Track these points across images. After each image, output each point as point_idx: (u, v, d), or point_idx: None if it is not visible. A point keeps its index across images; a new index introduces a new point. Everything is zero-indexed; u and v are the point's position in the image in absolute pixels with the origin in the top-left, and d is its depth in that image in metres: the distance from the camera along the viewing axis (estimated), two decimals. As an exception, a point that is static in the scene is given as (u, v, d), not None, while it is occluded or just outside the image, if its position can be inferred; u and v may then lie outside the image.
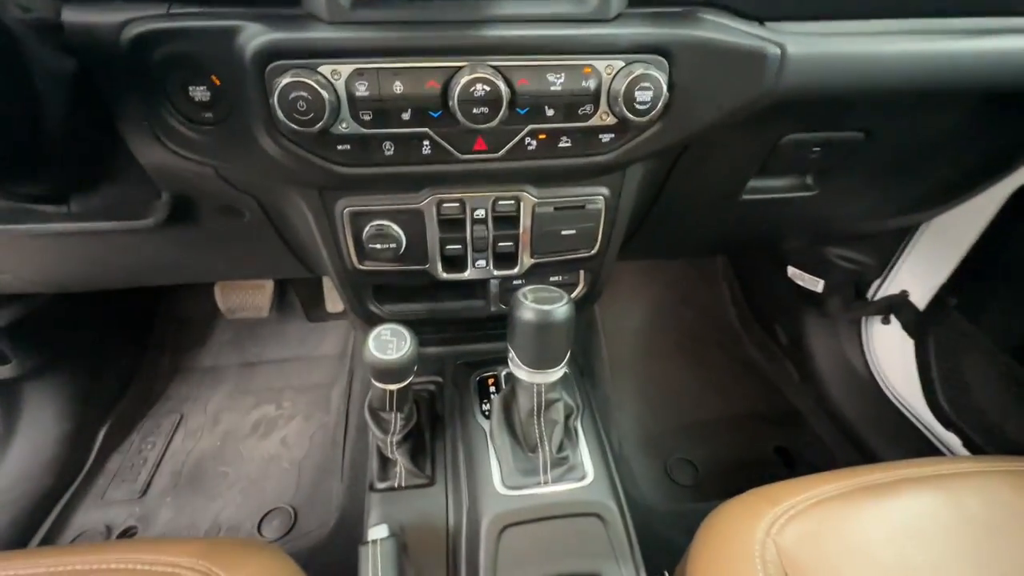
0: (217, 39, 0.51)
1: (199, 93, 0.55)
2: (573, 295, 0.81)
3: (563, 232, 0.69)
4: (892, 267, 1.20)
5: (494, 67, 0.53)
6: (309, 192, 0.65)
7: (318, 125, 0.51)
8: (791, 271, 1.39)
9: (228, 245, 0.86)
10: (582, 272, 0.80)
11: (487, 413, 0.82)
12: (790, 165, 0.83)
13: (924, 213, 1.06)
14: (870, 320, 1.28)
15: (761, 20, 0.60)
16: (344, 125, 0.54)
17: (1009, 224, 0.97)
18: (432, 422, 0.81)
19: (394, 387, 0.66)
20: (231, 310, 1.44)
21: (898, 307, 1.18)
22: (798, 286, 1.37)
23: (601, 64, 0.55)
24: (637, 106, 0.55)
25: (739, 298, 1.72)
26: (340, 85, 0.52)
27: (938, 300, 1.09)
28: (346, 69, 0.52)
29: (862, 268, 1.24)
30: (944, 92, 0.66)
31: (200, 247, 0.85)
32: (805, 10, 0.60)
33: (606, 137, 0.60)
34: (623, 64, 0.55)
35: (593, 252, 0.74)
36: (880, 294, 1.24)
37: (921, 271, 1.15)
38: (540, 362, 0.63)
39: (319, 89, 0.50)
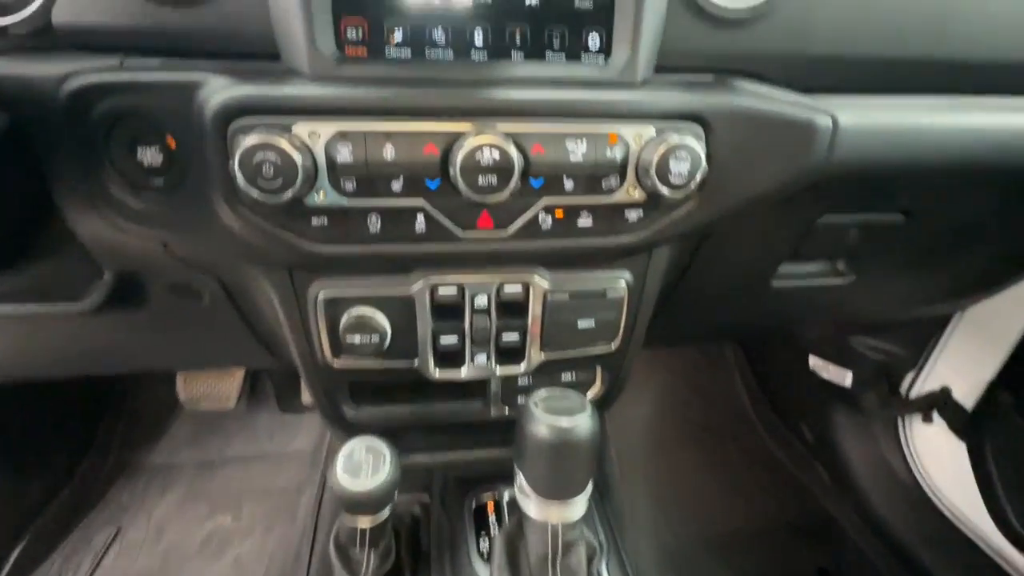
0: (176, 93, 0.43)
1: (149, 155, 0.46)
2: (589, 396, 0.69)
3: (580, 324, 0.58)
4: (927, 358, 1.10)
5: (505, 132, 0.45)
6: (276, 273, 0.54)
7: (287, 194, 0.42)
8: (813, 362, 1.28)
9: (183, 330, 0.74)
10: (599, 369, 0.68)
11: (485, 554, 0.65)
12: (823, 249, 0.75)
13: (962, 301, 0.97)
14: (909, 418, 1.15)
15: (792, 89, 0.55)
16: (321, 195, 0.45)
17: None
18: (415, 561, 0.64)
19: (368, 522, 0.51)
20: (193, 400, 1.28)
21: (941, 405, 1.06)
22: (821, 378, 1.25)
23: (629, 131, 0.47)
24: (672, 179, 0.46)
25: (753, 386, 1.59)
26: (319, 148, 0.43)
27: (989, 398, 0.97)
28: (327, 130, 0.43)
29: (893, 359, 1.14)
30: (1001, 169, 0.59)
31: (149, 332, 0.73)
32: (845, 85, 0.55)
33: (633, 215, 0.51)
34: (654, 132, 0.47)
35: (614, 347, 0.62)
36: (917, 389, 1.13)
37: (963, 364, 1.04)
38: (557, 490, 0.49)
39: (290, 152, 0.41)
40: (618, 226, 0.51)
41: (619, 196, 0.49)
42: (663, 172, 0.46)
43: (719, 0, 0.48)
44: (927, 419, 1.10)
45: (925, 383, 1.11)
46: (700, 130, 0.48)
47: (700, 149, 0.46)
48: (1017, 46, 0.55)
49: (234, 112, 0.42)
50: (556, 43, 0.47)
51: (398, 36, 0.45)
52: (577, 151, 0.46)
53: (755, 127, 0.49)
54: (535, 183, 0.47)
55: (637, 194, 0.49)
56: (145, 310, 0.66)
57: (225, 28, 0.44)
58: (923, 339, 1.09)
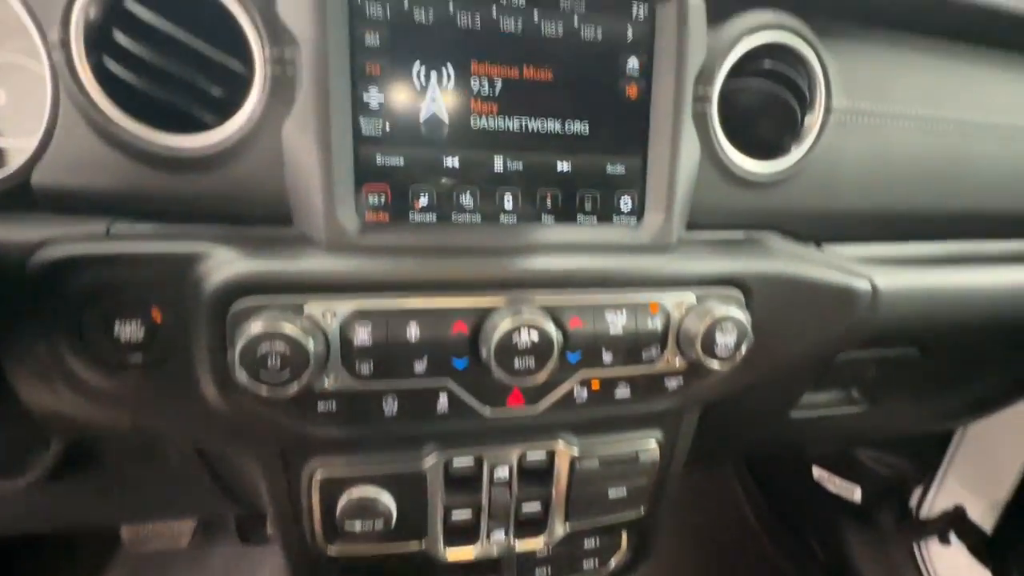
0: (170, 266, 0.38)
1: (129, 330, 0.39)
2: (612, 565, 0.61)
3: (610, 492, 0.52)
4: (936, 474, 1.07)
5: (541, 305, 0.41)
6: (266, 450, 0.47)
7: (294, 387, 0.36)
8: (817, 473, 1.23)
9: (139, 489, 0.64)
10: (624, 533, 0.61)
11: None
12: (840, 381, 0.73)
13: (967, 419, 0.96)
14: (926, 538, 1.09)
15: (817, 243, 0.56)
16: (332, 378, 0.39)
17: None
18: None
19: None
20: (139, 541, 1.11)
21: (959, 526, 1.01)
22: (828, 491, 1.20)
23: (670, 300, 0.44)
24: (718, 351, 0.43)
25: (755, 493, 1.52)
26: (333, 329, 0.38)
27: (1009, 521, 0.94)
28: (344, 308, 0.38)
29: (901, 473, 1.10)
30: None
31: (99, 495, 0.62)
32: (863, 235, 0.56)
33: (673, 383, 0.47)
34: (695, 299, 0.44)
35: (644, 511, 0.56)
36: (928, 506, 1.08)
37: (974, 482, 1.01)
38: None
39: (300, 339, 0.35)
40: (656, 393, 0.47)
41: (660, 366, 0.45)
42: (708, 345, 0.43)
43: (749, 166, 0.48)
44: (944, 540, 1.05)
45: (936, 500, 1.07)
46: (741, 296, 0.46)
47: (746, 320, 0.43)
48: (1010, 198, 0.59)
49: (238, 291, 0.37)
50: (588, 206, 0.45)
51: (423, 200, 0.42)
52: (617, 323, 0.43)
53: (795, 292, 0.47)
54: (572, 357, 0.43)
55: (678, 362, 0.45)
56: (99, 475, 0.56)
57: (230, 193, 0.40)
58: (929, 453, 1.07)
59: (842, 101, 0.50)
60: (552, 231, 0.44)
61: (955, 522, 1.01)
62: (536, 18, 0.41)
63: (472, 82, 0.41)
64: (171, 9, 0.36)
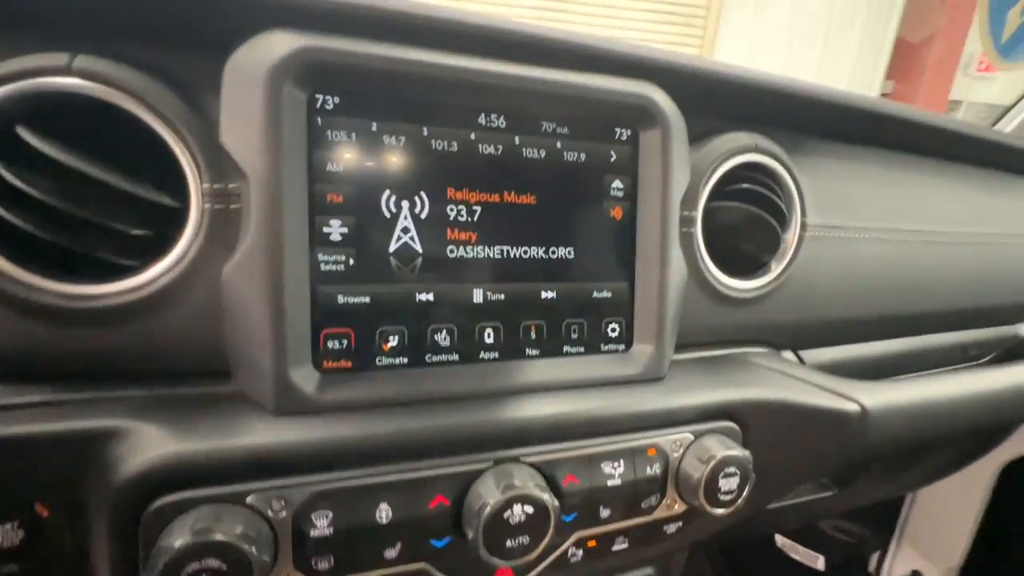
0: (69, 448, 0.30)
1: (1, 534, 0.30)
2: None
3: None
4: (892, 538, 1.09)
5: (532, 464, 0.36)
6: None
7: None
8: (780, 541, 1.22)
9: None
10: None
11: None
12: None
13: (920, 486, 1.00)
14: (889, 606, 1.10)
15: (794, 350, 0.55)
16: (279, 579, 0.31)
17: (1008, 500, 0.91)
18: None
19: None
20: None
21: (919, 594, 1.02)
22: (794, 560, 1.19)
23: (667, 441, 0.40)
24: (721, 497, 0.39)
25: (718, 562, 1.49)
26: (284, 522, 0.31)
27: (965, 588, 0.96)
28: (298, 493, 0.31)
29: (860, 540, 1.11)
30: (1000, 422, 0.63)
31: None
32: (828, 339, 0.57)
33: (672, 528, 0.42)
34: (691, 437, 0.41)
35: None
36: (887, 570, 1.10)
37: (928, 546, 1.03)
38: None
39: (242, 547, 0.28)
40: (654, 540, 0.42)
41: (659, 513, 0.41)
42: (712, 492, 0.39)
43: (733, 284, 0.47)
44: (906, 607, 1.06)
45: (894, 566, 1.09)
46: (738, 430, 0.43)
47: (747, 460, 0.40)
48: (963, 297, 0.62)
49: (159, 486, 0.29)
50: (574, 335, 0.41)
51: (393, 342, 0.36)
52: (615, 473, 0.38)
53: (789, 419, 0.45)
54: (567, 518, 0.37)
55: (677, 507, 0.41)
56: None
57: (151, 350, 0.33)
58: (884, 517, 1.09)
59: (815, 217, 0.50)
60: (538, 368, 0.39)
61: (915, 589, 1.03)
62: (517, 141, 0.38)
63: (448, 209, 0.37)
64: (79, 135, 0.30)
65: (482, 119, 0.37)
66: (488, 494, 0.33)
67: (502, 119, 0.38)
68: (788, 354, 0.55)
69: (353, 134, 0.34)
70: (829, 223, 0.51)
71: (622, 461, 0.38)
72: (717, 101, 0.45)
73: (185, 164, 0.31)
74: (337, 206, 0.34)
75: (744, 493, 0.40)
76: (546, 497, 0.34)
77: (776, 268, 0.48)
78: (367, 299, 0.35)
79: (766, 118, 0.48)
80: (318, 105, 0.33)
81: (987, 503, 0.94)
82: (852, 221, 0.52)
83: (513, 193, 0.39)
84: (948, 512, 1.00)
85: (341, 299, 0.35)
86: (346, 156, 0.34)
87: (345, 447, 0.32)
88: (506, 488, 0.33)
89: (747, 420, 0.43)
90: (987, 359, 0.73)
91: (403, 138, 0.35)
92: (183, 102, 0.31)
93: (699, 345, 0.48)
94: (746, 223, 0.46)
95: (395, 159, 0.35)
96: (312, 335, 0.34)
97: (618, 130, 0.41)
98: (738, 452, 0.40)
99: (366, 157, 0.34)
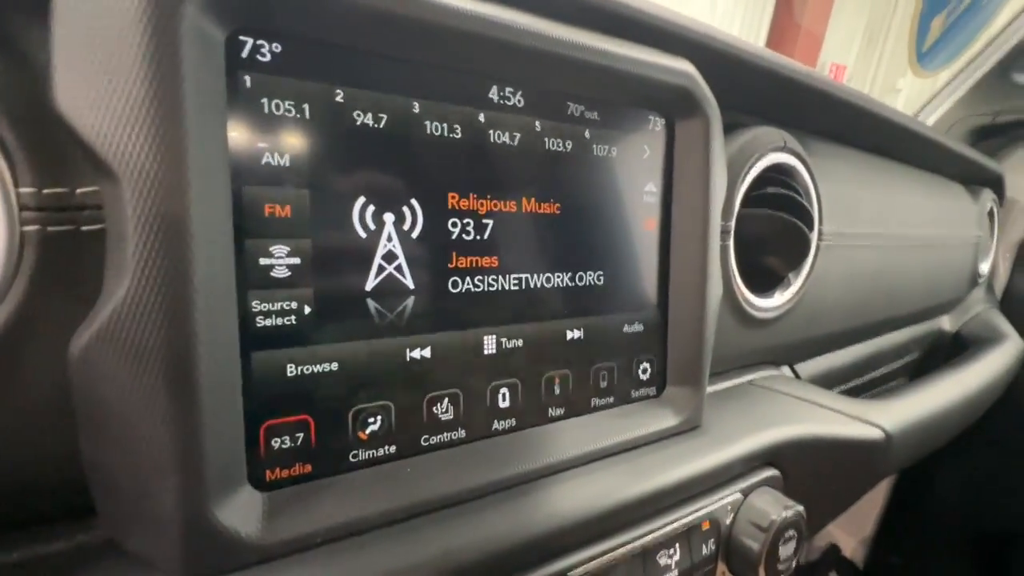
0: None
1: None
2: None
3: None
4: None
5: (578, 579, 0.26)
6: None
7: None
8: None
9: None
10: None
11: None
12: None
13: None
14: None
15: (791, 364, 0.52)
16: None
17: (914, 467, 1.00)
18: None
19: None
20: None
21: (837, 565, 1.10)
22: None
23: (719, 507, 0.33)
24: (780, 567, 0.33)
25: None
26: None
27: (877, 559, 1.04)
28: None
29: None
30: None
31: None
32: (817, 351, 0.55)
33: (718, 606, 0.35)
34: (741, 498, 0.34)
35: None
36: (806, 545, 1.17)
37: (841, 520, 1.11)
38: None
39: None
40: (698, 619, 0.35)
41: (709, 592, 0.33)
42: (772, 564, 0.33)
43: (761, 302, 0.41)
44: (825, 578, 1.14)
45: (814, 540, 1.16)
46: (780, 478, 0.37)
47: (803, 517, 0.34)
48: (915, 300, 0.64)
49: None
50: (603, 382, 0.32)
51: (374, 424, 0.24)
52: (671, 563, 0.30)
53: (820, 455, 0.40)
54: (619, 634, 0.28)
55: (726, 579, 0.34)
56: None
57: None
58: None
59: (828, 224, 0.45)
60: (565, 435, 0.29)
61: (834, 561, 1.10)
62: (538, 128, 0.27)
63: (451, 224, 0.25)
64: None
65: (494, 93, 0.26)
66: None
67: (520, 96, 0.27)
68: (786, 370, 0.51)
69: (305, 106, 0.21)
70: (838, 230, 0.47)
71: (677, 547, 0.30)
72: (743, 90, 0.38)
73: (-23, 150, 0.16)
74: (282, 222, 0.21)
75: (800, 558, 0.34)
76: None
77: (796, 282, 0.43)
78: (333, 366, 0.23)
79: (783, 114, 0.42)
80: (244, 53, 0.20)
81: (895, 478, 1.02)
82: (853, 228, 0.49)
83: (534, 200, 0.28)
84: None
85: (291, 370, 0.22)
86: (293, 141, 0.21)
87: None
88: None
89: (786, 463, 0.37)
90: (919, 355, 0.77)
91: (384, 117, 0.23)
92: None
93: (722, 373, 0.42)
94: (776, 233, 0.40)
95: (373, 149, 0.23)
96: (248, 432, 0.21)
97: (652, 118, 0.32)
98: (793, 511, 0.34)
99: (327, 144, 0.22)
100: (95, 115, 0.17)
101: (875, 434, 0.42)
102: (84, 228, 0.18)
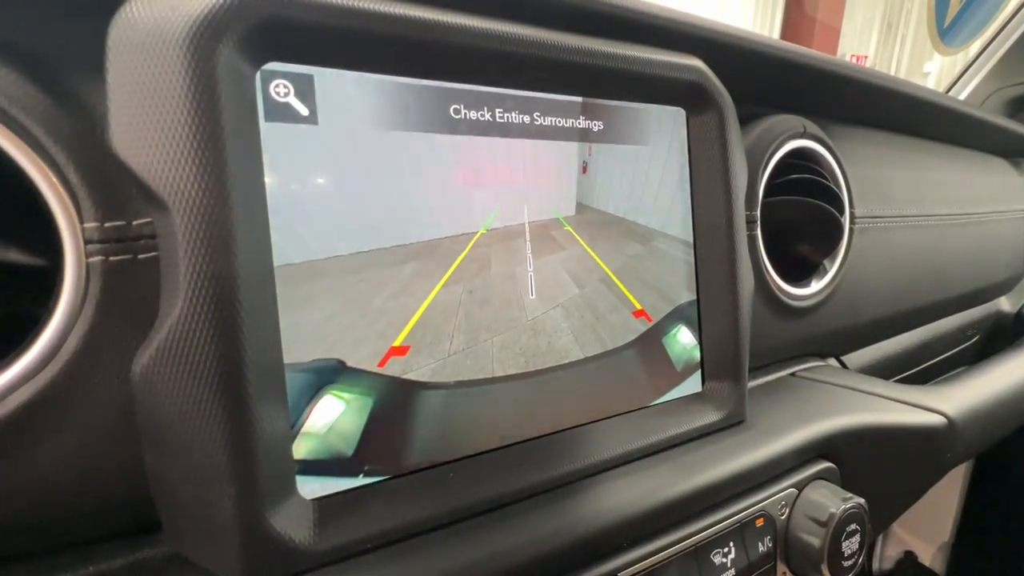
0: None
1: None
2: None
3: None
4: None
5: (632, 578, 0.26)
6: None
7: None
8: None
9: None
10: None
11: None
12: None
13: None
14: (887, 589, 1.10)
15: (837, 356, 0.50)
16: None
17: (992, 471, 0.93)
18: None
19: None
20: None
21: (914, 573, 1.03)
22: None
23: (773, 503, 0.32)
24: (844, 563, 0.32)
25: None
26: None
27: (959, 562, 0.97)
28: None
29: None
30: None
31: None
32: (866, 341, 0.52)
33: (781, 605, 0.34)
34: (796, 492, 0.33)
35: None
36: (879, 554, 1.10)
37: (916, 526, 1.04)
38: None
39: None
40: (761, 625, 0.33)
41: (770, 595, 0.32)
42: (836, 560, 0.31)
43: (796, 291, 0.40)
44: (903, 589, 1.06)
45: (886, 550, 1.09)
46: (836, 471, 0.35)
47: (864, 508, 0.33)
48: (967, 281, 0.61)
49: None
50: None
51: (415, 451, 0.25)
52: (727, 562, 0.29)
53: (878, 444, 0.38)
54: (676, 638, 0.27)
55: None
56: None
57: (18, 497, 0.19)
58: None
59: (859, 207, 0.44)
60: (615, 431, 0.29)
61: (910, 569, 1.03)
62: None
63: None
64: None
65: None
66: None
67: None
68: (833, 362, 0.49)
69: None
70: (871, 213, 0.45)
71: (732, 545, 0.29)
72: (754, 81, 0.38)
73: (48, 192, 0.18)
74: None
75: (864, 551, 0.33)
76: None
77: (831, 268, 0.42)
78: (375, 373, 0.24)
79: (802, 102, 0.42)
80: (275, 86, 0.21)
81: (970, 476, 0.95)
82: (886, 209, 0.47)
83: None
84: (933, 489, 1.01)
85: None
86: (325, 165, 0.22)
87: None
88: None
89: (842, 455, 0.36)
90: (979, 337, 0.73)
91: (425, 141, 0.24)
92: (38, 90, 0.19)
93: (760, 367, 0.41)
94: (806, 219, 0.39)
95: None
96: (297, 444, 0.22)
97: (671, 112, 0.32)
98: (853, 502, 0.32)
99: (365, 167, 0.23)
100: (147, 154, 0.18)
101: (936, 420, 0.40)
102: (140, 256, 0.20)
